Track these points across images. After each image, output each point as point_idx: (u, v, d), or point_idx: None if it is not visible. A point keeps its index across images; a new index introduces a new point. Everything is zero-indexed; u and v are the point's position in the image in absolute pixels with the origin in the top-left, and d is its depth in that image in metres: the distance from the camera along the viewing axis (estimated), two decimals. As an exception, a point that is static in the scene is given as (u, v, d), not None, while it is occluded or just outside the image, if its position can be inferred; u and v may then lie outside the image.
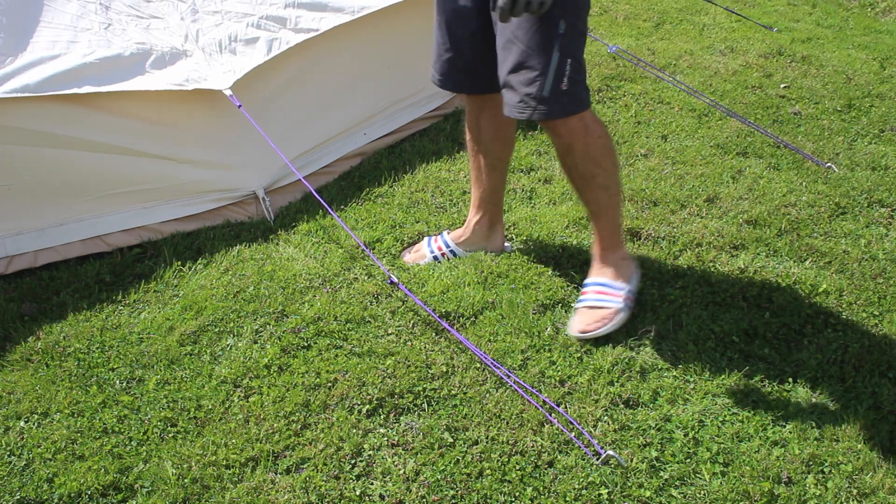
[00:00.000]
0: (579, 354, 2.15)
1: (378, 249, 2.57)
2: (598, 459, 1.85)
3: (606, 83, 3.72)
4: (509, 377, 2.06)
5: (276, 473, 1.85)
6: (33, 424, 2.00)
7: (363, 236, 2.61)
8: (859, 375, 2.09)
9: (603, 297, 2.16)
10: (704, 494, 1.79)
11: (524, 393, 2.01)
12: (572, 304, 2.30)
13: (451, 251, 2.51)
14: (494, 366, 2.09)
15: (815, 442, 1.90)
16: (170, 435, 1.96)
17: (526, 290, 2.38)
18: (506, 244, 2.57)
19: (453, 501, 1.78)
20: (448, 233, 2.55)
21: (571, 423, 1.93)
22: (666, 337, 2.21)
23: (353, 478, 1.84)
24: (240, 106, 2.53)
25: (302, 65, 2.84)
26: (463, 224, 2.55)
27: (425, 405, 2.01)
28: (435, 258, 2.50)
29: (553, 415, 1.97)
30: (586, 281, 2.26)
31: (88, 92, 2.40)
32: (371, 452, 1.90)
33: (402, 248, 2.62)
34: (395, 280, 2.34)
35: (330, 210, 2.45)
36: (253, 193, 2.77)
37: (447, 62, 2.22)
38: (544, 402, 2.00)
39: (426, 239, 2.57)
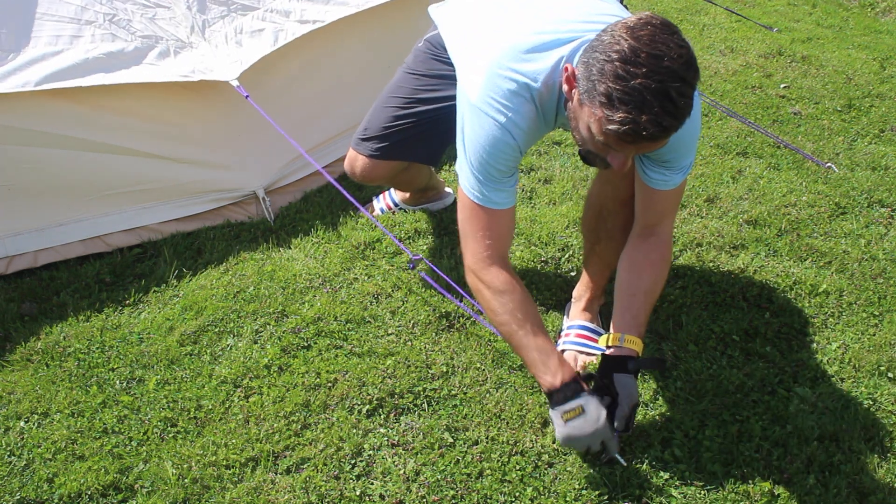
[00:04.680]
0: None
1: (378, 249, 2.57)
2: (597, 459, 1.85)
3: (606, 83, 3.72)
4: (509, 375, 2.06)
5: (276, 473, 1.85)
6: (33, 424, 2.00)
7: (363, 236, 2.61)
8: (859, 375, 2.09)
9: (588, 343, 2.18)
10: (704, 494, 1.78)
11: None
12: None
13: (400, 207, 2.80)
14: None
15: (815, 442, 1.90)
16: (170, 435, 1.96)
17: (526, 290, 2.38)
18: (446, 189, 2.82)
19: (453, 501, 1.78)
20: (395, 191, 2.83)
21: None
22: (666, 337, 2.21)
23: (353, 478, 1.84)
24: (247, 96, 2.51)
25: (305, 61, 2.84)
26: None
27: (425, 405, 2.01)
28: (382, 211, 2.82)
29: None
30: (571, 322, 2.23)
31: (92, 85, 2.38)
32: (371, 452, 1.89)
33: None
34: (419, 256, 2.44)
35: (347, 195, 2.44)
36: (253, 193, 2.77)
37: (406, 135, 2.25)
38: (545, 401, 2.00)
39: (375, 198, 2.88)
